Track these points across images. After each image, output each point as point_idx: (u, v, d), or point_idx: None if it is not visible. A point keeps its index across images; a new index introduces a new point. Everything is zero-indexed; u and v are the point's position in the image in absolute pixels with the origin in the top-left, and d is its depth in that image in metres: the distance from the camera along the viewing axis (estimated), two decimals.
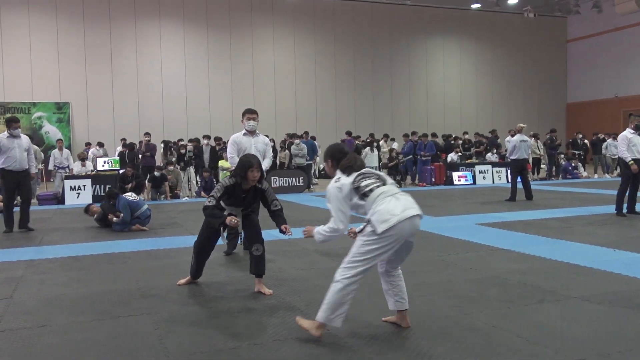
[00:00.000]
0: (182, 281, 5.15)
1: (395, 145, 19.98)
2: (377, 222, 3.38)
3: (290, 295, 4.67)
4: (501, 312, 4.09)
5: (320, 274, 5.41)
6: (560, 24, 31.47)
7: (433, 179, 17.38)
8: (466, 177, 17.35)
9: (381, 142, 18.86)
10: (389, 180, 3.63)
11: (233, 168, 6.76)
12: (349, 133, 17.60)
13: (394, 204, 3.41)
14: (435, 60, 28.86)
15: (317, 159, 18.44)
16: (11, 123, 8.79)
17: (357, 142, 18.13)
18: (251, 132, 6.52)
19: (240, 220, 4.75)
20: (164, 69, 23.91)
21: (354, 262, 3.45)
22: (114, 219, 8.69)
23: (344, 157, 3.64)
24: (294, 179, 15.80)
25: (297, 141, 16.51)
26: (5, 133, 8.75)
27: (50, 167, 15.17)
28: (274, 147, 16.99)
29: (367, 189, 3.48)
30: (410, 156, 17.62)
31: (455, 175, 17.26)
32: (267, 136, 8.63)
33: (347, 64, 27.02)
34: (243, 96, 24.43)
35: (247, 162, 4.64)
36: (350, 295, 3.46)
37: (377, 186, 3.50)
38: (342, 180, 3.55)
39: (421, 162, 17.63)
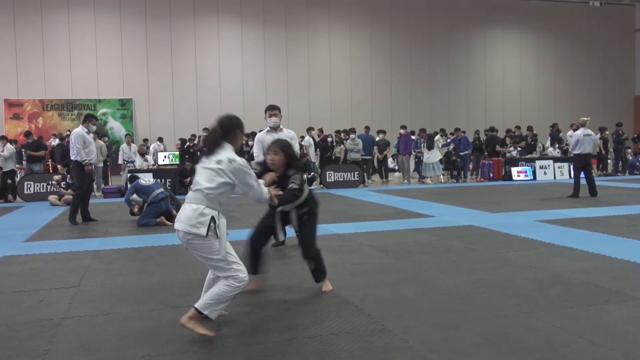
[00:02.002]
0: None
1: None
2: None
3: (346, 290, 4.67)
4: (563, 312, 3.96)
5: (375, 270, 5.40)
6: (627, 12, 30.02)
7: (491, 174, 16.98)
8: (526, 172, 16.87)
9: (437, 137, 18.50)
10: (198, 185, 3.64)
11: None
12: (404, 127, 17.36)
13: None
14: (495, 52, 28.17)
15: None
16: (92, 119, 9.41)
17: (413, 137, 17.87)
18: (274, 129, 6.56)
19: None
20: (221, 65, 24.39)
21: None
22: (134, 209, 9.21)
23: None
24: (349, 173, 15.80)
25: (352, 136, 16.45)
26: (84, 128, 9.20)
27: (120, 161, 16.02)
28: (331, 143, 16.99)
29: None
30: (468, 151, 17.22)
31: (514, 170, 16.80)
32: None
33: (403, 57, 26.76)
34: (298, 91, 24.59)
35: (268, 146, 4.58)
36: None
37: None
38: None
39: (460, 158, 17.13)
